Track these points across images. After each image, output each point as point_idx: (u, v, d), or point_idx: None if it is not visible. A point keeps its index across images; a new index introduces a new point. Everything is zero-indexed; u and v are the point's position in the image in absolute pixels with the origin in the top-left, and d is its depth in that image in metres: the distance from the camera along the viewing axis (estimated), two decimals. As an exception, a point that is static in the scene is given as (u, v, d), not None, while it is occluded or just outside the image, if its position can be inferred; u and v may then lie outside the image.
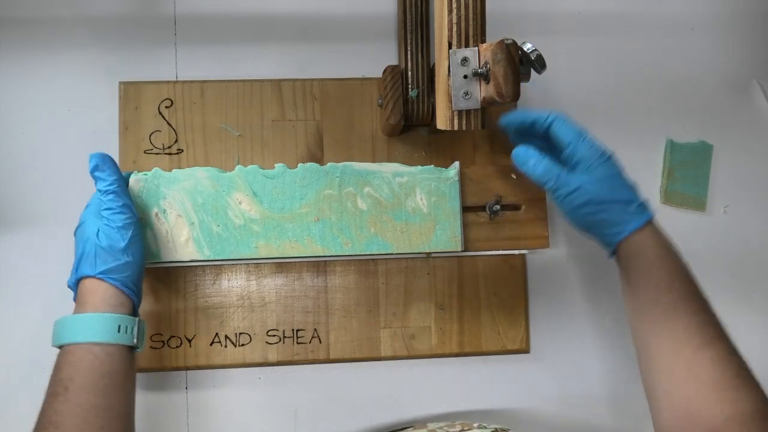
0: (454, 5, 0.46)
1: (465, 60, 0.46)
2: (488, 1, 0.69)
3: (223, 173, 0.56)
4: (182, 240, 0.54)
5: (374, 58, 0.67)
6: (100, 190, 0.51)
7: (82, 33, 0.64)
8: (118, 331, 0.48)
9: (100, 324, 0.47)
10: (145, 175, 0.55)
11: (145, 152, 0.62)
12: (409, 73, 0.57)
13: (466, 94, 0.47)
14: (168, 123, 0.62)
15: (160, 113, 0.62)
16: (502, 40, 0.45)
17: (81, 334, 0.47)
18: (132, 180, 0.55)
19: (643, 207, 0.51)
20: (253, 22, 0.66)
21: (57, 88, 0.63)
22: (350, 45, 0.67)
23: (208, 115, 0.63)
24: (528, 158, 0.52)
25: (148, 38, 0.65)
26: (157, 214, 0.54)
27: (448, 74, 0.47)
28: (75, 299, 0.50)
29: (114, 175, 0.51)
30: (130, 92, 0.62)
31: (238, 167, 0.56)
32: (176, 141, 0.62)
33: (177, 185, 0.55)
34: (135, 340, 0.49)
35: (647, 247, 0.50)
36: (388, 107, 0.58)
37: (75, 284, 0.50)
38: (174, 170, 0.56)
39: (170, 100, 0.62)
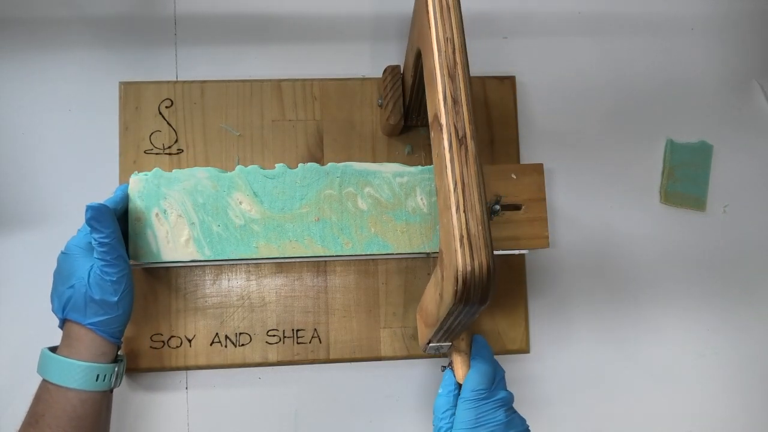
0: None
1: (440, 347, 0.52)
2: (488, 1, 0.69)
3: (224, 173, 0.56)
4: (182, 240, 0.54)
5: (374, 58, 0.67)
6: (96, 240, 0.51)
7: (82, 33, 0.64)
8: (96, 380, 0.50)
9: (80, 373, 0.49)
10: (146, 175, 0.55)
11: (145, 152, 0.62)
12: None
13: (440, 347, 0.52)
14: (168, 123, 0.62)
15: (160, 113, 0.62)
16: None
17: (58, 377, 0.49)
18: (132, 180, 0.55)
19: None
20: (253, 22, 0.66)
21: (57, 88, 0.63)
22: (350, 45, 0.67)
23: (208, 115, 0.63)
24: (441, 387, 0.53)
25: (148, 38, 0.65)
26: (157, 214, 0.54)
27: (426, 344, 0.53)
28: (61, 329, 0.52)
29: (110, 227, 0.50)
30: (130, 92, 0.62)
31: (239, 167, 0.56)
32: (176, 141, 0.62)
33: (177, 185, 0.55)
34: (112, 385, 0.51)
35: None
36: (388, 107, 0.58)
37: (62, 322, 0.52)
38: (174, 170, 0.56)
39: (170, 100, 0.62)
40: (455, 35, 0.43)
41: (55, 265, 0.61)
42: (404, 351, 0.62)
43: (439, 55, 0.43)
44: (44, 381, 0.50)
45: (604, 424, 0.65)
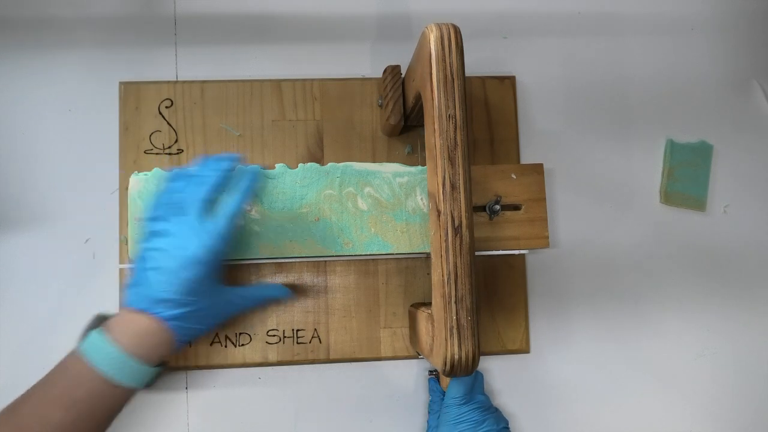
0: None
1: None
2: (488, 1, 0.69)
3: (224, 173, 0.56)
4: (182, 240, 0.54)
5: (374, 58, 0.67)
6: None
7: (82, 33, 0.64)
8: (137, 381, 0.46)
9: (128, 370, 0.45)
10: (145, 175, 0.55)
11: (145, 152, 0.62)
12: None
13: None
14: (168, 123, 0.62)
15: (160, 113, 0.62)
16: None
17: (102, 363, 0.44)
18: (132, 180, 0.55)
19: None
20: (253, 22, 0.66)
21: (57, 88, 0.63)
22: (350, 45, 0.67)
23: (208, 115, 0.63)
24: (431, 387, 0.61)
25: (148, 38, 0.65)
26: (157, 214, 0.54)
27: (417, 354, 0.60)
28: (125, 305, 0.47)
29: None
30: (130, 92, 0.62)
31: (239, 167, 0.56)
32: (176, 141, 0.62)
33: (177, 185, 0.55)
34: (144, 386, 0.47)
35: None
36: (388, 107, 0.58)
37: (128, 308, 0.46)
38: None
39: (170, 100, 0.62)
40: (457, 110, 0.44)
41: (54, 265, 0.61)
42: (404, 351, 0.62)
43: (441, 134, 0.44)
44: (77, 355, 0.45)
45: (604, 424, 0.65)
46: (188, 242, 0.46)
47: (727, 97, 0.71)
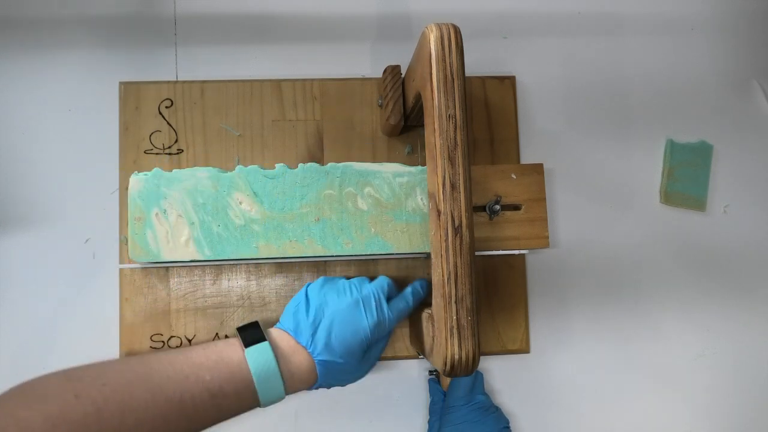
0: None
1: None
2: (488, 1, 0.69)
3: (224, 173, 0.56)
4: (182, 240, 0.54)
5: (374, 58, 0.67)
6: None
7: (82, 33, 0.64)
8: (268, 404, 0.47)
9: (275, 398, 0.47)
10: (145, 175, 0.55)
11: (145, 152, 0.62)
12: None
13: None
14: (168, 123, 0.62)
15: (160, 113, 0.62)
16: None
17: (261, 382, 0.46)
18: (132, 180, 0.55)
19: None
20: (253, 22, 0.66)
21: (57, 88, 0.63)
22: (350, 45, 0.67)
23: (208, 115, 0.63)
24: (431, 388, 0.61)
25: (148, 38, 0.65)
26: (157, 214, 0.54)
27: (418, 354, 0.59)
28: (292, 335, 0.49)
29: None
30: (130, 92, 0.62)
31: (239, 167, 0.56)
32: (176, 141, 0.62)
33: (177, 185, 0.55)
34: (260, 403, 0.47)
35: None
36: (388, 107, 0.58)
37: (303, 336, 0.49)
38: (174, 170, 0.55)
39: (170, 100, 0.62)
40: (457, 110, 0.44)
41: (54, 265, 0.61)
42: (404, 351, 0.62)
43: (441, 134, 0.44)
44: (245, 370, 0.45)
45: (604, 423, 0.65)
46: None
47: (727, 97, 0.71)
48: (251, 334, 0.48)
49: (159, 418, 0.41)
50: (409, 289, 0.54)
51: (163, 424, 0.41)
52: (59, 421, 0.38)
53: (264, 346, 0.47)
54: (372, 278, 0.54)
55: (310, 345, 0.48)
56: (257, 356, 0.46)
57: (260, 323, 0.49)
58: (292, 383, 0.47)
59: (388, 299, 0.52)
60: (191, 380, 0.43)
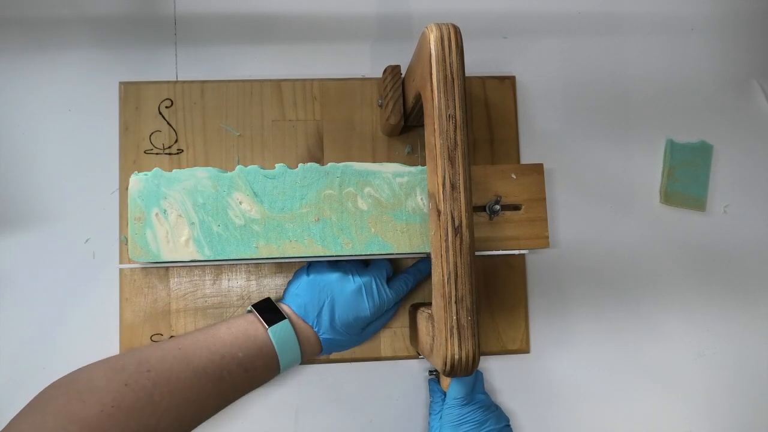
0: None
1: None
2: (488, 1, 0.69)
3: (224, 173, 0.56)
4: (182, 240, 0.54)
5: (374, 58, 0.67)
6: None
7: (82, 33, 0.64)
8: (287, 369, 0.53)
9: (293, 363, 0.54)
10: (145, 175, 0.55)
11: (145, 152, 0.62)
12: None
13: None
14: (168, 123, 0.62)
15: (160, 113, 0.62)
16: None
17: (284, 353, 0.52)
18: (132, 180, 0.55)
19: None
20: (253, 22, 0.66)
21: (57, 88, 0.63)
22: (350, 45, 0.67)
23: (208, 115, 0.63)
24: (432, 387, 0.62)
25: (148, 38, 0.65)
26: (157, 214, 0.54)
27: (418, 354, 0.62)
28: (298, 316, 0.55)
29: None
30: (130, 92, 0.62)
31: (239, 167, 0.56)
32: (176, 141, 0.62)
33: (177, 185, 0.55)
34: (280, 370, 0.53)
35: None
36: (388, 107, 0.58)
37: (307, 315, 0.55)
38: (174, 170, 0.55)
39: (170, 100, 0.62)
40: (457, 110, 0.44)
41: (54, 264, 0.61)
42: (404, 351, 0.62)
43: (441, 134, 0.44)
44: (269, 344, 0.51)
45: (604, 423, 0.65)
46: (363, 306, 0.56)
47: (727, 97, 0.71)
48: (269, 311, 0.54)
49: (203, 395, 0.47)
50: (411, 269, 0.60)
51: (206, 400, 0.47)
52: (115, 410, 0.42)
53: (285, 324, 0.53)
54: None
55: (316, 325, 0.54)
56: (280, 333, 0.52)
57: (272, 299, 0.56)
58: (305, 353, 0.54)
59: (389, 279, 0.58)
60: (227, 359, 0.49)
